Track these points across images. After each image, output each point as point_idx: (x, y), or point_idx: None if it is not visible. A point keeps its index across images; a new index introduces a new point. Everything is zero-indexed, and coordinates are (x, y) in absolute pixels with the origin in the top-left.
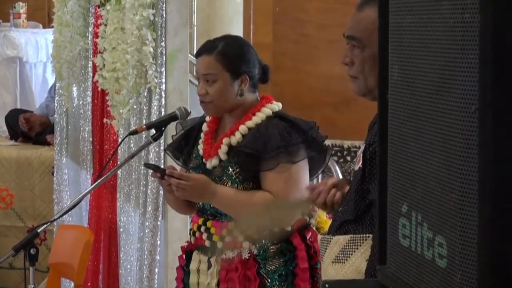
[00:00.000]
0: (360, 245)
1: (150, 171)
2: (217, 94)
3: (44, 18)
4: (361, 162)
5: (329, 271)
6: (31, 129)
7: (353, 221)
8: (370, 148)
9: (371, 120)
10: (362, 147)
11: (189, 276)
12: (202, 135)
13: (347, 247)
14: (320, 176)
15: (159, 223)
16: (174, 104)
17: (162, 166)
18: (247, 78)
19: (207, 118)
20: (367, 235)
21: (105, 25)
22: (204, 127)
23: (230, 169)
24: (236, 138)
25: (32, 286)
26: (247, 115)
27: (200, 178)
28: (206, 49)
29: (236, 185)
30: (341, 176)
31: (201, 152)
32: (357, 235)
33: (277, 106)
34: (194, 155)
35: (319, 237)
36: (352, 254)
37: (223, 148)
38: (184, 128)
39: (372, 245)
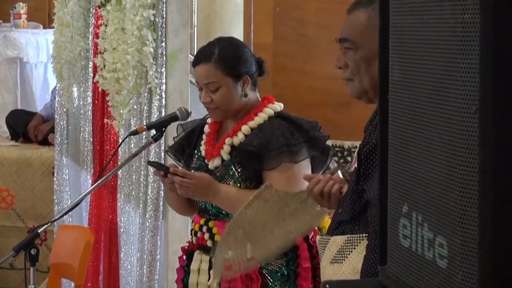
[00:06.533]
0: (357, 245)
1: (152, 170)
2: (222, 100)
3: (44, 19)
4: (356, 163)
5: (327, 271)
6: (40, 135)
7: (349, 222)
8: (365, 148)
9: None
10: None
11: (189, 276)
12: (204, 136)
13: (344, 247)
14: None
15: (159, 223)
16: (175, 104)
17: None
18: (248, 78)
19: (209, 120)
20: (364, 234)
21: (106, 25)
22: (206, 128)
23: (233, 169)
24: (238, 138)
25: (33, 286)
26: (249, 115)
27: (203, 176)
28: (203, 57)
29: (238, 184)
30: (341, 176)
31: (203, 153)
32: (353, 235)
33: (279, 106)
34: (195, 157)
35: (318, 237)
36: (349, 254)
37: (226, 148)
38: (185, 130)
39: (367, 244)
